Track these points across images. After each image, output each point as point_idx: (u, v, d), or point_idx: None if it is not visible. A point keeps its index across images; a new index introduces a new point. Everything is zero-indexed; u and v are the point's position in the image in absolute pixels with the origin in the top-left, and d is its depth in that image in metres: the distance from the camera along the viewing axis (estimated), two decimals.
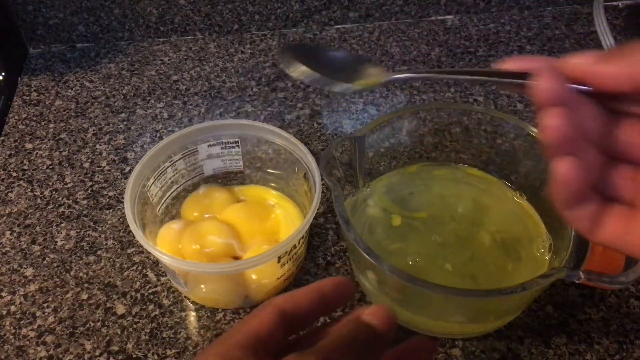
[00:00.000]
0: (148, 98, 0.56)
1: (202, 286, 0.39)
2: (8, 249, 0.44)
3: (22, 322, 0.40)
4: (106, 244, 0.44)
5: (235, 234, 0.41)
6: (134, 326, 0.40)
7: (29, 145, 0.52)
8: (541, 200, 0.43)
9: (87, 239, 0.45)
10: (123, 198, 0.40)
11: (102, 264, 0.43)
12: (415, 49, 0.61)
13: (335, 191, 0.37)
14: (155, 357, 0.38)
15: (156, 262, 0.43)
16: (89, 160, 0.51)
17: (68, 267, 0.43)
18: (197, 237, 0.41)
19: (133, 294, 0.41)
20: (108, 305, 0.41)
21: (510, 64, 0.26)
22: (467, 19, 0.65)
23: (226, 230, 0.41)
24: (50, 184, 0.49)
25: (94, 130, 0.54)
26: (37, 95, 0.57)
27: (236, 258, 0.41)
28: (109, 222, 0.46)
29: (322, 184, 0.40)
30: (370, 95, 0.56)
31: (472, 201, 0.44)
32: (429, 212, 0.44)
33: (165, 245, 0.41)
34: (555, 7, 0.66)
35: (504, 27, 0.64)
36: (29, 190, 0.48)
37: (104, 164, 0.50)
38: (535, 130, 0.41)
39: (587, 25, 0.64)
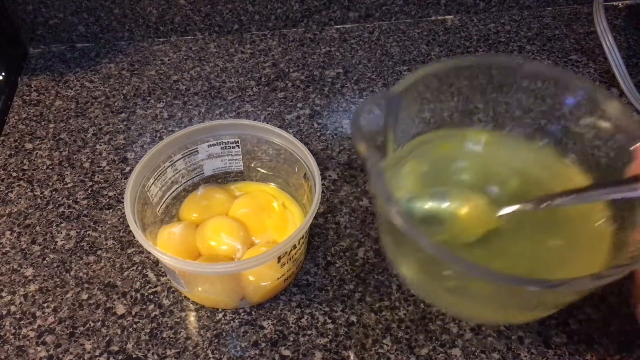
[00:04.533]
0: (148, 98, 0.57)
1: (201, 287, 0.39)
2: (8, 249, 0.44)
3: (22, 322, 0.40)
4: (106, 244, 0.44)
5: (247, 232, 0.42)
6: (134, 326, 0.40)
7: (29, 145, 0.52)
8: (596, 164, 0.38)
9: (87, 239, 0.45)
10: (123, 198, 0.40)
11: (102, 264, 0.43)
12: (415, 49, 0.61)
13: (371, 161, 0.32)
14: (155, 357, 0.38)
15: (156, 262, 0.43)
16: (89, 160, 0.51)
17: (68, 267, 0.43)
18: (212, 235, 0.41)
19: (133, 294, 0.41)
20: (108, 305, 0.41)
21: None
22: (467, 19, 0.65)
23: (237, 229, 0.41)
24: (50, 184, 0.49)
25: (94, 130, 0.54)
26: (37, 95, 0.57)
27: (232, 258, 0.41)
28: (109, 222, 0.46)
29: (322, 184, 0.40)
30: (371, 96, 0.56)
31: (520, 173, 0.40)
32: (472, 182, 0.39)
33: (166, 245, 0.41)
34: (555, 7, 0.66)
35: (504, 27, 0.64)
36: (29, 190, 0.49)
37: (104, 164, 0.50)
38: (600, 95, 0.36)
39: (587, 25, 0.64)
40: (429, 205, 0.39)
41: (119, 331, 0.39)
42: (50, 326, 0.40)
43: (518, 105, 0.40)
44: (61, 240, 0.45)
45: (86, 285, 0.42)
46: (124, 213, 0.42)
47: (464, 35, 0.63)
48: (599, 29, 0.61)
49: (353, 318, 0.40)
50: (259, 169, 0.46)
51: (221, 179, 0.46)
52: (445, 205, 0.38)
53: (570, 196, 0.33)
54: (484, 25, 0.64)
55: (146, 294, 0.41)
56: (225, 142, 0.44)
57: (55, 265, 0.43)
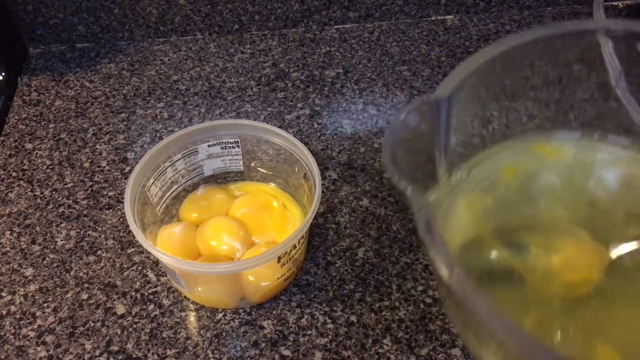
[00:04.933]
0: (148, 98, 0.57)
1: (201, 287, 0.39)
2: (8, 249, 0.44)
3: (22, 322, 0.40)
4: (106, 244, 0.44)
5: (247, 232, 0.41)
6: (134, 326, 0.40)
7: (29, 145, 0.52)
8: None
9: (87, 239, 0.45)
10: (123, 198, 0.40)
11: (102, 264, 0.43)
12: (415, 49, 0.61)
13: (414, 197, 0.22)
14: (155, 357, 0.38)
15: (156, 262, 0.43)
16: (89, 160, 0.51)
17: (68, 267, 0.43)
18: (212, 234, 0.41)
19: (133, 294, 0.41)
20: (108, 305, 0.41)
21: None
22: (467, 19, 0.65)
23: (237, 229, 0.41)
24: (50, 184, 0.49)
25: (94, 130, 0.54)
26: (37, 95, 0.57)
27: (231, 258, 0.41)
28: (109, 222, 0.46)
29: (322, 184, 0.40)
30: (370, 95, 0.56)
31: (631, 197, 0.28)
32: (559, 214, 0.27)
33: (166, 245, 0.41)
34: (555, 7, 0.66)
35: (504, 27, 0.64)
36: (29, 190, 0.49)
37: (104, 164, 0.50)
38: None
39: None
40: (501, 255, 0.27)
41: (119, 331, 0.39)
42: (50, 326, 0.40)
43: (621, 94, 0.27)
44: (61, 240, 0.45)
45: (86, 285, 0.42)
46: (124, 213, 0.42)
47: (464, 35, 0.63)
48: None
49: (353, 318, 0.40)
50: (259, 169, 0.46)
51: (221, 179, 0.46)
52: (530, 251, 0.26)
53: None
54: (484, 25, 0.64)
55: (146, 294, 0.41)
56: (225, 142, 0.44)
57: (55, 265, 0.43)
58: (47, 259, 0.44)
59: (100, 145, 0.52)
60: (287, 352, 0.38)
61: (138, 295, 0.41)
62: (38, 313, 0.41)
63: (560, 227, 0.27)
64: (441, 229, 0.24)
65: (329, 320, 0.40)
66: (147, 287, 0.42)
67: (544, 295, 0.26)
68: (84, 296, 0.41)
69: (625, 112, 0.27)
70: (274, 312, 0.40)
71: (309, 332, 0.39)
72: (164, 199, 0.43)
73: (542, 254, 0.26)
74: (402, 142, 0.24)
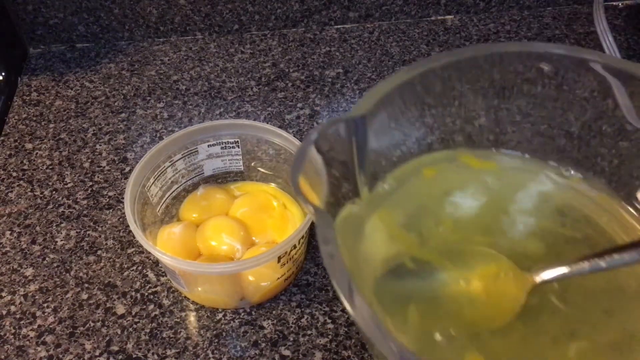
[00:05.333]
0: (148, 98, 0.57)
1: (201, 287, 0.39)
2: (8, 249, 0.44)
3: (22, 322, 0.40)
4: (106, 244, 0.44)
5: (247, 232, 0.41)
6: (134, 326, 0.40)
7: (29, 145, 0.52)
8: None
9: (87, 239, 0.45)
10: (123, 198, 0.40)
11: (102, 264, 0.43)
12: (415, 49, 0.61)
13: (320, 224, 0.22)
14: (155, 357, 0.38)
15: (156, 262, 0.43)
16: (89, 160, 0.51)
17: (68, 267, 0.43)
18: (212, 235, 0.41)
19: (133, 294, 0.41)
20: (108, 305, 0.41)
21: None
22: (467, 19, 0.65)
23: (237, 229, 0.41)
24: (50, 184, 0.49)
25: (94, 130, 0.54)
26: (37, 95, 0.57)
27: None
28: (109, 222, 0.46)
29: None
30: None
31: (555, 218, 0.27)
32: (479, 235, 0.27)
33: (166, 245, 0.41)
34: (555, 7, 0.66)
35: (504, 27, 0.64)
36: (29, 190, 0.49)
37: (104, 164, 0.50)
38: None
39: (587, 25, 0.64)
40: (417, 275, 0.26)
41: (119, 331, 0.39)
42: (50, 326, 0.40)
43: (534, 112, 0.28)
44: (61, 240, 0.45)
45: (86, 285, 0.42)
46: (124, 213, 0.42)
47: (464, 35, 0.63)
48: (599, 29, 0.61)
49: None
50: (259, 169, 0.46)
51: (221, 179, 0.46)
52: (451, 275, 0.26)
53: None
54: (484, 25, 0.64)
55: (146, 294, 0.41)
56: (225, 142, 0.44)
57: (55, 265, 0.43)
58: (47, 259, 0.44)
59: (100, 145, 0.52)
60: (287, 352, 0.38)
61: (138, 295, 0.41)
62: (38, 313, 0.41)
63: (481, 250, 0.26)
64: (367, 246, 0.24)
65: (329, 320, 0.40)
66: (147, 287, 0.42)
67: (462, 319, 0.25)
68: (84, 296, 0.41)
69: (556, 137, 0.28)
70: (274, 312, 0.40)
71: (309, 332, 0.39)
72: (164, 199, 0.43)
73: (462, 277, 0.26)
74: (317, 160, 0.23)
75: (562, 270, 0.24)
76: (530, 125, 0.28)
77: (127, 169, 0.50)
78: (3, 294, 0.42)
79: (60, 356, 0.38)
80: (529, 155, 0.29)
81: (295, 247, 0.38)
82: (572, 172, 0.28)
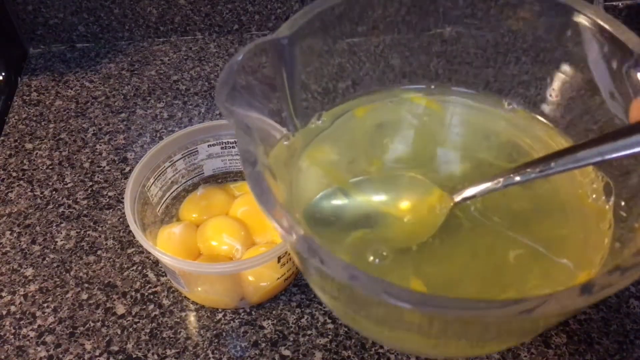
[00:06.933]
0: (148, 98, 0.57)
1: (201, 287, 0.39)
2: (8, 249, 0.44)
3: (22, 322, 0.40)
4: (106, 244, 0.44)
5: (247, 232, 0.41)
6: (134, 326, 0.40)
7: (29, 145, 0.52)
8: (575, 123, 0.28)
9: (87, 239, 0.45)
10: (123, 198, 0.40)
11: (102, 264, 0.43)
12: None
13: (241, 140, 0.22)
14: (155, 357, 0.38)
15: (156, 262, 0.43)
16: (89, 160, 0.51)
17: (68, 267, 0.43)
18: (212, 234, 0.41)
19: (133, 294, 0.41)
20: (108, 305, 0.41)
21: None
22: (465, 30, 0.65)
23: (238, 229, 0.41)
24: (50, 184, 0.49)
25: (94, 130, 0.54)
26: (37, 95, 0.57)
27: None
28: (109, 222, 0.46)
29: None
30: None
31: (478, 142, 0.30)
32: (408, 162, 0.29)
33: (166, 245, 0.41)
34: None
35: (503, 39, 0.64)
36: (29, 190, 0.48)
37: (104, 164, 0.50)
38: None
39: None
40: (355, 200, 0.27)
41: (119, 331, 0.39)
42: (50, 326, 0.40)
43: (465, 50, 0.30)
44: (61, 240, 0.45)
45: (86, 285, 0.42)
46: (124, 213, 0.42)
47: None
48: None
49: None
50: None
51: (221, 179, 0.46)
52: (379, 197, 0.28)
53: (550, 163, 0.24)
54: (482, 36, 0.64)
55: (146, 294, 0.41)
56: (225, 142, 0.44)
57: (55, 265, 0.43)
58: (47, 259, 0.44)
59: (100, 145, 0.52)
60: (287, 352, 0.38)
61: (138, 295, 0.41)
62: (38, 313, 0.41)
63: (407, 170, 0.29)
64: (299, 180, 0.25)
65: (329, 320, 0.40)
66: (147, 287, 0.42)
67: (394, 238, 0.27)
68: (84, 296, 0.41)
69: (478, 68, 0.29)
70: (274, 312, 0.40)
71: (309, 332, 0.39)
72: (164, 199, 0.43)
73: (390, 198, 0.28)
74: (242, 86, 0.23)
75: (479, 187, 0.26)
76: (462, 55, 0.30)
77: (127, 169, 0.50)
78: (3, 294, 0.42)
79: (60, 356, 0.38)
80: (461, 87, 0.31)
81: None
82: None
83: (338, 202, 0.28)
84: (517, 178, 0.25)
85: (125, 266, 0.43)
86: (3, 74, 0.59)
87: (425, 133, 0.31)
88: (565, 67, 0.29)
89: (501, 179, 0.26)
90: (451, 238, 0.27)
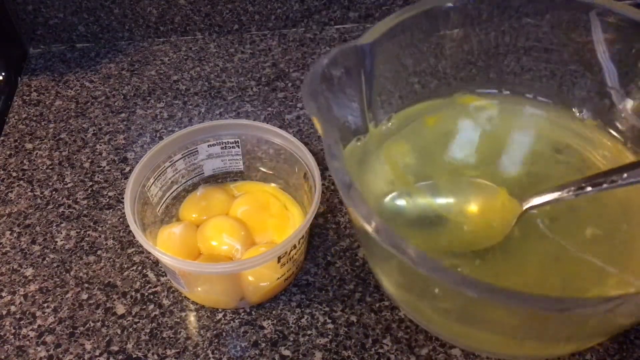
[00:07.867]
0: (148, 98, 0.57)
1: (201, 287, 0.39)
2: (8, 249, 0.44)
3: (22, 322, 0.40)
4: (106, 244, 0.44)
5: (247, 232, 0.41)
6: (134, 326, 0.40)
7: (29, 145, 0.52)
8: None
9: (87, 239, 0.45)
10: (123, 198, 0.40)
11: (102, 264, 0.43)
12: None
13: (328, 135, 0.23)
14: (155, 357, 0.38)
15: (156, 262, 0.43)
16: (89, 160, 0.51)
17: (68, 267, 0.43)
18: (212, 234, 0.41)
19: (133, 294, 0.41)
20: (108, 305, 0.41)
21: None
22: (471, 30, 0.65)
23: (238, 229, 0.41)
24: (50, 184, 0.49)
25: (94, 130, 0.54)
26: (37, 95, 0.57)
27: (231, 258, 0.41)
28: (109, 222, 0.46)
29: (322, 184, 0.40)
30: None
31: (547, 152, 0.30)
32: (478, 167, 0.29)
33: (166, 245, 0.41)
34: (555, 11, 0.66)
35: (504, 39, 0.64)
36: (29, 190, 0.49)
37: (104, 164, 0.50)
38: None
39: None
40: (422, 202, 0.29)
41: (119, 331, 0.39)
42: (50, 326, 0.40)
43: (534, 57, 0.30)
44: (61, 240, 0.45)
45: (86, 285, 0.42)
46: (124, 213, 0.42)
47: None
48: None
49: (353, 318, 0.40)
50: (259, 169, 0.46)
51: (221, 179, 0.46)
52: (446, 201, 0.29)
53: (622, 174, 0.24)
54: (485, 35, 0.64)
55: (146, 294, 0.41)
56: (225, 142, 0.44)
57: (55, 265, 0.43)
58: (47, 259, 0.44)
59: (100, 145, 0.52)
60: (287, 352, 0.38)
61: (138, 295, 0.41)
62: (38, 313, 0.41)
63: (477, 176, 0.29)
64: (368, 178, 0.26)
65: (329, 320, 0.40)
66: (147, 287, 0.42)
67: (465, 241, 0.28)
68: (84, 296, 0.41)
69: (551, 77, 0.30)
70: (274, 312, 0.40)
71: (309, 332, 0.39)
72: (164, 199, 0.43)
73: (462, 202, 0.28)
74: (325, 88, 0.24)
75: (550, 196, 0.26)
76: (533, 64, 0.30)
77: (127, 169, 0.50)
78: (3, 294, 0.42)
79: (60, 356, 0.38)
80: (533, 95, 0.31)
81: (295, 247, 0.38)
82: (583, 114, 0.31)
83: (405, 204, 0.29)
84: (589, 188, 0.25)
85: (125, 266, 0.43)
86: (3, 74, 0.59)
87: (494, 141, 0.31)
88: None
89: (572, 188, 0.25)
90: (520, 246, 0.27)
